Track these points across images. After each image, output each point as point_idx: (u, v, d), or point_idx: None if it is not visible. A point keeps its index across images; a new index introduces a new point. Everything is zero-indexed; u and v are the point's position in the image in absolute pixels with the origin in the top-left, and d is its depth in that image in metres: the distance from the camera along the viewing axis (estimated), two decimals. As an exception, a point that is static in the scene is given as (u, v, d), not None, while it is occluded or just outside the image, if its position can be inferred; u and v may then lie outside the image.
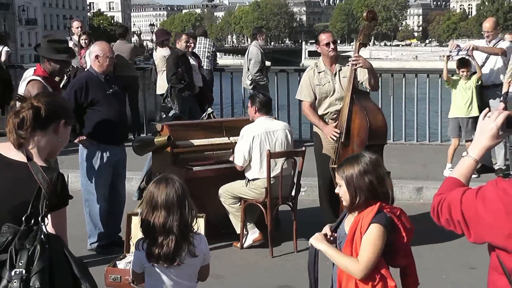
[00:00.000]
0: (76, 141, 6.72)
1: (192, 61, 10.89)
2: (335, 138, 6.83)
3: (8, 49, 11.91)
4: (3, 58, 11.59)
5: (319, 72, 7.14)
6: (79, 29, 11.84)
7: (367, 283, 3.52)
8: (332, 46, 7.07)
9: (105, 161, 6.71)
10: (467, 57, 9.25)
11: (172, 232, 3.51)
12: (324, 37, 7.15)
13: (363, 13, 7.16)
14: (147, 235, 3.57)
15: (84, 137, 6.66)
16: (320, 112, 7.12)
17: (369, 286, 3.53)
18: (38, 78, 6.18)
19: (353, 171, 3.61)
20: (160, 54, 11.99)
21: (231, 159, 7.07)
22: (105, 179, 6.78)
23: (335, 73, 7.11)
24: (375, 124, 6.72)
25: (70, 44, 11.57)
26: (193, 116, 10.04)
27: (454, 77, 9.51)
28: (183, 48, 10.58)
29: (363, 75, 7.07)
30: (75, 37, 11.73)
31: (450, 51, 9.42)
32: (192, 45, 11.03)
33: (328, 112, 7.10)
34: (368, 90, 7.37)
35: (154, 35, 13.37)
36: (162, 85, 12.09)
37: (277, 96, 12.40)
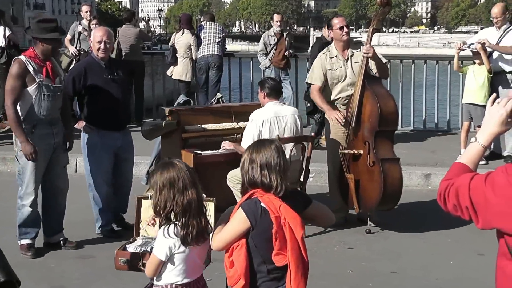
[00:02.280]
0: (76, 126, 6.77)
1: None
2: (338, 123, 6.84)
3: (9, 32, 11.40)
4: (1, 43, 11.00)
5: (331, 57, 7.16)
6: (88, 13, 11.80)
7: (227, 261, 3.62)
8: (345, 29, 7.10)
9: (104, 147, 6.72)
10: (474, 49, 9.22)
11: (200, 207, 3.55)
12: (337, 21, 7.19)
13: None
14: (176, 219, 3.52)
15: (84, 123, 6.71)
16: (331, 97, 7.14)
17: (227, 266, 3.62)
18: (22, 57, 6.17)
19: (244, 157, 3.68)
20: (186, 42, 12.02)
21: (226, 146, 7.01)
22: (105, 164, 6.78)
23: (347, 59, 7.13)
24: (386, 110, 6.73)
25: (79, 28, 11.61)
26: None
27: (468, 63, 9.51)
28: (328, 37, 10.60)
29: (373, 63, 7.07)
30: (84, 22, 11.69)
31: (462, 47, 9.37)
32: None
33: (339, 98, 7.12)
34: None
35: (180, 18, 13.21)
36: (179, 72, 12.13)
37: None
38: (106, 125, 6.70)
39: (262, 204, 3.54)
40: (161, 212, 3.55)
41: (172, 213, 3.54)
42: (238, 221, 3.56)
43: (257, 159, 3.61)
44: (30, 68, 6.05)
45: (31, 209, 6.27)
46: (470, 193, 2.54)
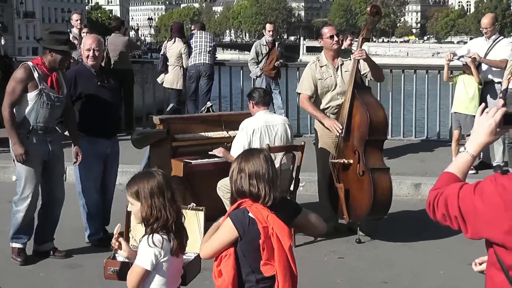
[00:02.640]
0: (66, 133, 6.74)
1: None
2: (338, 132, 6.84)
3: (4, 41, 11.37)
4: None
5: (321, 66, 7.16)
6: (79, 21, 11.78)
7: (215, 270, 3.62)
8: (335, 38, 7.10)
9: (94, 154, 6.67)
10: (464, 62, 9.30)
11: (183, 217, 3.54)
12: (327, 30, 7.19)
13: (367, 7, 7.17)
14: (166, 229, 3.44)
15: None
16: (321, 106, 7.14)
17: (215, 276, 3.62)
18: (28, 63, 6.19)
19: (233, 166, 3.67)
20: (177, 50, 12.04)
21: (217, 153, 6.96)
22: (95, 172, 6.75)
23: (337, 68, 7.14)
24: (376, 120, 6.74)
25: (69, 37, 11.59)
26: None
27: (458, 72, 9.56)
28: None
29: (366, 67, 7.10)
30: (75, 30, 11.67)
31: (451, 58, 9.43)
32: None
33: (329, 107, 7.13)
34: (369, 83, 7.39)
35: (171, 26, 13.34)
36: (170, 80, 12.16)
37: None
38: (96, 132, 6.67)
39: (250, 214, 3.54)
40: (153, 222, 3.44)
41: (158, 222, 3.44)
42: (226, 230, 3.56)
43: (246, 169, 3.61)
44: (35, 75, 6.08)
45: (25, 214, 6.22)
46: (459, 202, 2.52)
